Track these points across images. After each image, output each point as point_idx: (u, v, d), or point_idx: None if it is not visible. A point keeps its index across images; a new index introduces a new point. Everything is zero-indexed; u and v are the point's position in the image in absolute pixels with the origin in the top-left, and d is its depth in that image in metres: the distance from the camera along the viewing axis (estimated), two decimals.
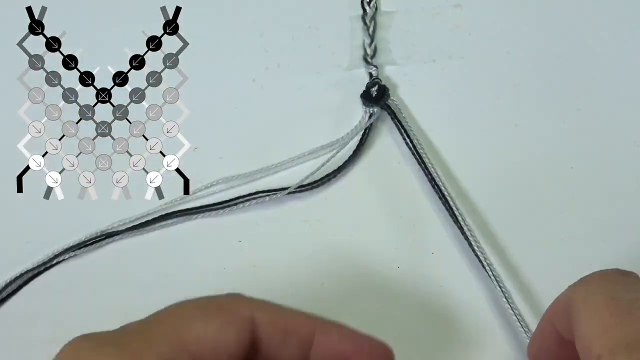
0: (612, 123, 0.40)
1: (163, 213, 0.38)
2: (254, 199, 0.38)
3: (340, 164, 0.39)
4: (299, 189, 0.38)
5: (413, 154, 0.38)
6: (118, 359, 0.24)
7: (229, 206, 0.38)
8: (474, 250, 0.35)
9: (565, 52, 0.40)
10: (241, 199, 0.38)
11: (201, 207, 0.38)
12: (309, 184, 0.38)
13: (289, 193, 0.38)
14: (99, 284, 0.37)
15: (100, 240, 0.38)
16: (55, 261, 0.38)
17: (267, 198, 0.38)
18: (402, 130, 0.38)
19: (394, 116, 0.39)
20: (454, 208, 0.36)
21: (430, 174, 0.37)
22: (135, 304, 0.36)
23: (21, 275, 0.37)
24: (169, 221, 0.38)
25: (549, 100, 0.40)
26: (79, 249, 0.38)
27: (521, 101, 0.40)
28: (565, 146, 0.39)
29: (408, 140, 0.38)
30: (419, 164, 0.38)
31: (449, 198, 0.37)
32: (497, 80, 0.40)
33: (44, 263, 0.37)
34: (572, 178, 0.38)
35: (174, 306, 0.27)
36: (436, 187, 0.37)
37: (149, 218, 0.38)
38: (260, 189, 0.38)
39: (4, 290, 0.37)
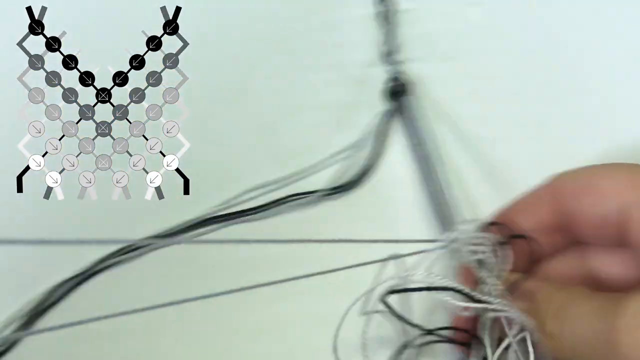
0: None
1: (199, 220, 0.38)
2: (290, 201, 0.38)
3: (366, 163, 0.39)
4: (333, 190, 0.38)
5: (417, 154, 0.38)
6: None
7: (263, 210, 0.38)
8: None
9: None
10: (275, 203, 0.38)
11: (239, 212, 0.38)
12: (340, 186, 0.38)
13: (324, 195, 0.38)
14: (144, 292, 0.37)
15: (135, 250, 0.37)
16: (96, 268, 0.37)
17: (303, 200, 0.38)
18: (409, 130, 0.38)
19: (405, 115, 0.39)
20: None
21: (431, 175, 0.37)
22: (181, 313, 0.35)
23: (65, 282, 0.37)
24: (205, 229, 0.38)
25: (576, 99, 0.39)
26: (117, 256, 0.37)
27: (546, 100, 0.39)
28: (606, 144, 0.39)
29: (414, 139, 0.38)
30: (421, 165, 0.38)
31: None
32: (519, 78, 0.40)
33: (85, 271, 0.37)
34: None
35: None
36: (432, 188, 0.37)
37: (184, 226, 0.38)
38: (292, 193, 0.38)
39: (48, 299, 0.37)
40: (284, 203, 0.38)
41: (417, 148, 0.38)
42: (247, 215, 0.38)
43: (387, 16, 0.40)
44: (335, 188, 0.38)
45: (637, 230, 0.29)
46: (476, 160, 0.39)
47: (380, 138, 0.39)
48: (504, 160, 0.39)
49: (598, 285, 0.32)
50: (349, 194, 0.38)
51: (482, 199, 0.37)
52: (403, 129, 0.39)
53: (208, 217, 0.38)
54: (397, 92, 0.39)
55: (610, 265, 0.32)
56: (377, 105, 0.39)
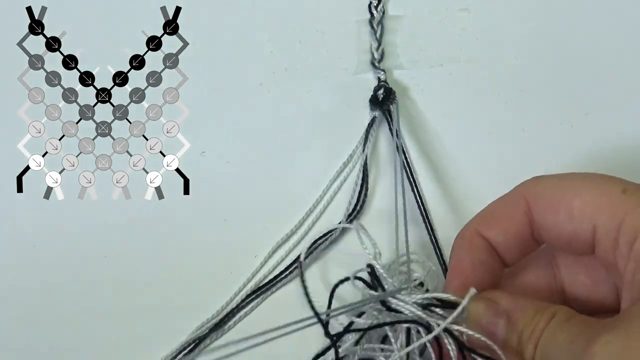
0: (620, 127, 0.39)
1: (239, 301, 0.37)
2: (315, 249, 0.37)
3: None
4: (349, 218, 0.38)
5: (402, 163, 0.38)
6: None
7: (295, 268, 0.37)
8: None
9: (573, 56, 0.40)
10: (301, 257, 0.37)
11: (272, 280, 0.37)
12: (353, 211, 0.38)
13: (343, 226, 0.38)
14: None
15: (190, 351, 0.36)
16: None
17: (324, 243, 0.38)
18: (395, 138, 0.38)
19: (390, 122, 0.38)
20: (430, 228, 0.37)
21: (417, 187, 0.38)
22: None
23: None
24: (248, 307, 0.37)
25: (557, 104, 0.40)
26: None
27: (529, 106, 0.40)
28: (574, 151, 0.39)
29: (399, 147, 0.38)
30: (407, 174, 0.38)
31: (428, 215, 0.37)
32: (505, 85, 0.40)
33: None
34: None
35: None
36: (419, 200, 0.38)
37: (227, 310, 0.37)
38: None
39: None
40: (316, 248, 0.37)
41: (402, 155, 0.38)
42: (281, 279, 0.37)
43: (375, 22, 0.40)
44: (350, 215, 0.38)
45: (603, 248, 0.29)
46: (462, 166, 0.39)
47: (368, 146, 0.39)
48: (490, 166, 0.39)
49: (566, 295, 0.32)
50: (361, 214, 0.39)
51: (468, 203, 0.38)
52: (389, 136, 0.39)
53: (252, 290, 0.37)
54: (383, 97, 0.39)
55: (577, 274, 0.32)
56: (364, 112, 0.39)
